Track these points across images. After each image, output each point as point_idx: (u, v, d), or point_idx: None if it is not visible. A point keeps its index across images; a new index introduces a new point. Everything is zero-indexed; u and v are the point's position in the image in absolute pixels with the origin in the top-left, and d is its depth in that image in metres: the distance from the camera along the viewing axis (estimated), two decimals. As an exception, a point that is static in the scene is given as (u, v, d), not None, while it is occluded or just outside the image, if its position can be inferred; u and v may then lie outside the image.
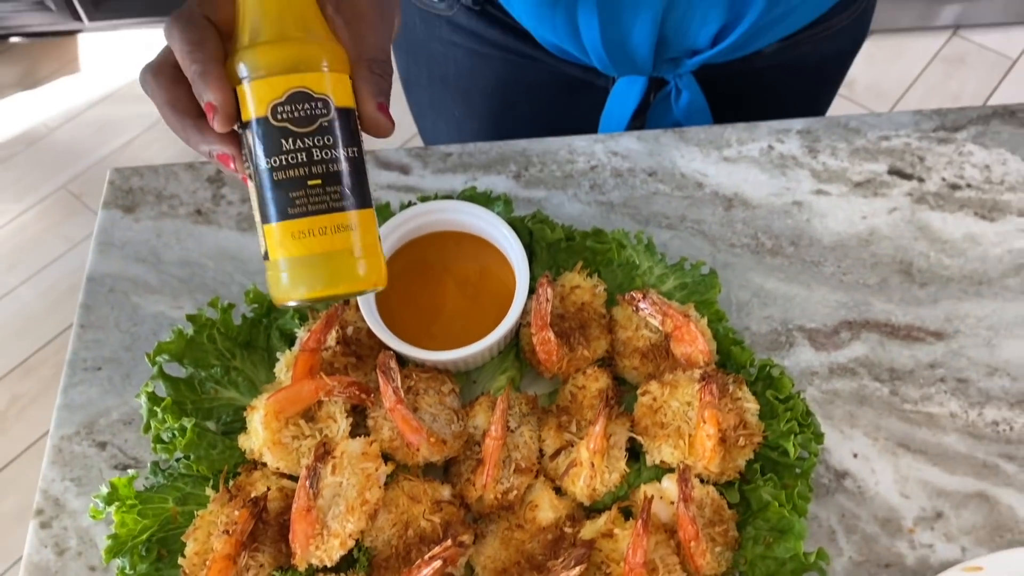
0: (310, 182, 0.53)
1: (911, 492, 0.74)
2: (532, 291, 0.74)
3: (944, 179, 0.93)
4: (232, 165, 0.54)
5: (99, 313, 0.83)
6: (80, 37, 3.01)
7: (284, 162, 0.52)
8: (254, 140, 0.53)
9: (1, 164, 2.72)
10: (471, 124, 1.11)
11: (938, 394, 0.79)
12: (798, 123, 0.97)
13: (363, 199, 0.55)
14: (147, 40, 3.00)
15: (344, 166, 0.53)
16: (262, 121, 0.52)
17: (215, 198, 0.91)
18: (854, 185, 0.93)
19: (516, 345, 0.76)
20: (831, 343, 0.82)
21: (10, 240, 2.55)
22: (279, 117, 0.52)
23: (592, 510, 0.67)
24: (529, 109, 1.07)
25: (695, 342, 0.71)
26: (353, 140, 0.54)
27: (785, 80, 1.05)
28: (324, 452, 0.62)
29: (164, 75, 0.54)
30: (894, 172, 0.93)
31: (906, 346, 0.82)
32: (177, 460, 0.69)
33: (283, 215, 0.53)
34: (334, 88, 0.53)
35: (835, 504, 0.73)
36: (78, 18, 2.79)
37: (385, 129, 0.55)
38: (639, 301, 0.73)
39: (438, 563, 0.59)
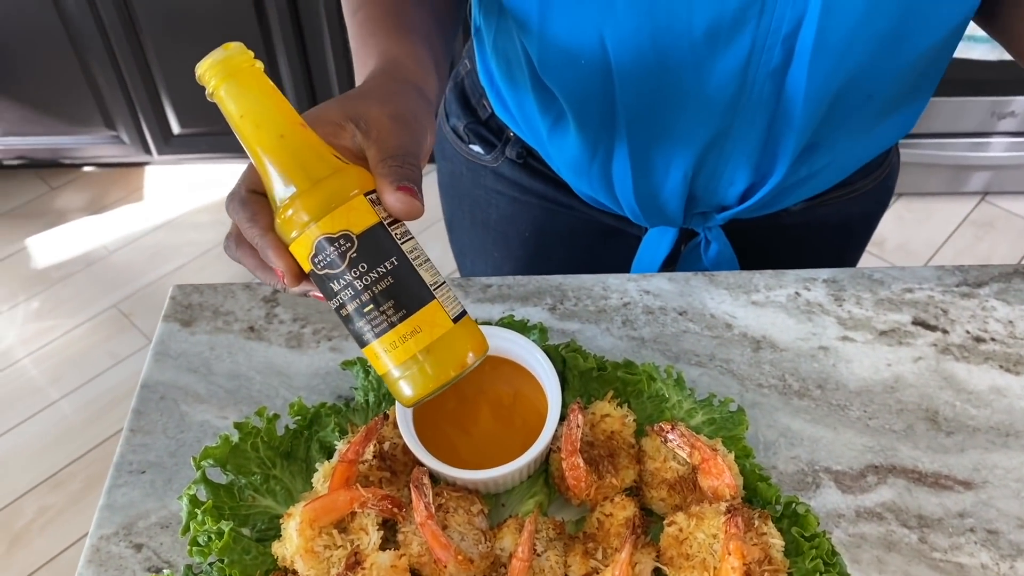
0: (368, 308, 0.58)
1: (942, 644, 0.72)
2: (563, 417, 0.77)
3: (968, 332, 0.96)
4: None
5: (149, 419, 0.87)
6: (147, 169, 3.22)
7: (340, 301, 0.58)
8: (316, 287, 0.59)
9: (60, 282, 2.85)
10: (509, 265, 1.18)
11: (968, 544, 0.78)
12: (824, 273, 1.02)
13: (424, 293, 0.59)
14: (207, 175, 3.20)
15: (390, 280, 0.58)
16: (311, 274, 0.59)
17: (268, 316, 0.96)
18: (879, 333, 0.96)
19: (546, 470, 0.78)
20: (857, 486, 0.83)
21: (58, 354, 2.64)
22: (319, 268, 0.58)
23: (615, 640, 0.67)
24: (564, 254, 1.14)
25: (722, 476, 0.73)
26: (389, 251, 0.58)
27: (811, 237, 1.11)
28: (355, 562, 0.64)
29: (240, 201, 0.61)
30: (918, 323, 0.97)
31: (934, 493, 0.82)
32: (211, 564, 0.70)
33: (367, 340, 0.59)
34: (349, 217, 0.58)
35: (863, 652, 0.72)
36: (148, 152, 2.99)
37: (412, 210, 0.59)
38: (668, 432, 0.75)
39: None
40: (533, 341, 0.80)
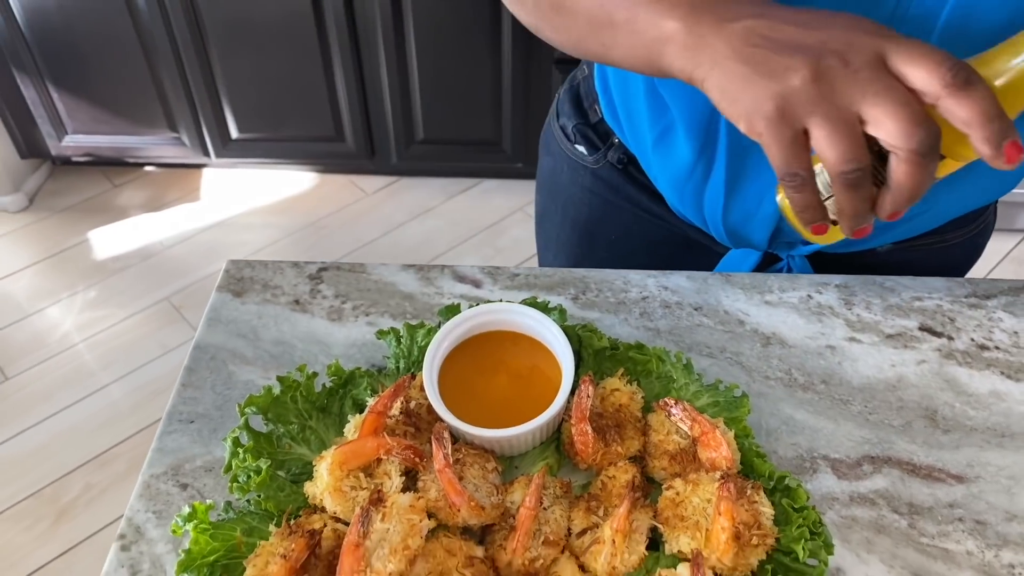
0: None
1: (923, 620, 0.76)
2: (575, 389, 0.83)
3: (973, 340, 1.00)
4: None
5: (199, 376, 0.95)
6: (205, 171, 3.36)
7: None
8: None
9: (117, 273, 2.99)
10: (589, 264, 1.24)
11: (956, 532, 0.82)
12: (837, 279, 1.07)
13: None
14: (260, 178, 3.33)
15: None
16: None
17: (312, 292, 1.05)
18: (885, 336, 1.00)
19: (557, 439, 0.85)
20: (853, 473, 0.87)
21: (111, 341, 2.77)
22: None
23: (611, 588, 0.73)
24: (645, 260, 1.17)
25: (719, 448, 0.78)
26: None
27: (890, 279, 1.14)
28: (378, 499, 0.71)
29: None
30: (924, 329, 1.01)
31: (926, 484, 0.86)
32: (248, 501, 0.78)
33: None
34: None
35: (846, 622, 0.76)
36: (207, 154, 3.13)
37: None
38: (671, 407, 0.81)
39: (464, 606, 0.65)
40: (552, 320, 0.87)
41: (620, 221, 1.17)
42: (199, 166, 3.33)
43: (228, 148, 3.11)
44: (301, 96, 2.97)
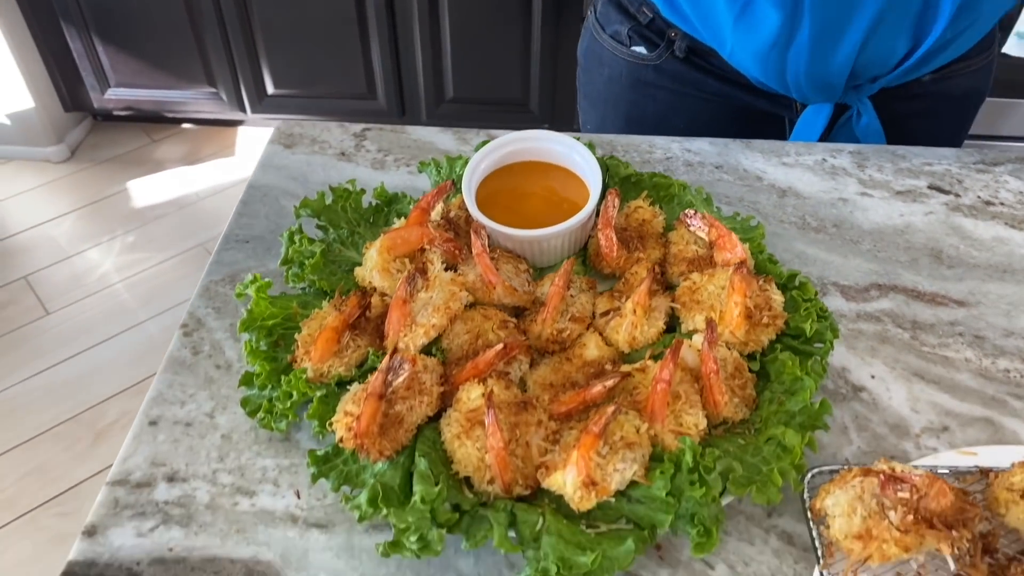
0: None
1: (921, 409, 0.82)
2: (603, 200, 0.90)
3: (979, 197, 1.05)
4: None
5: (253, 208, 1.03)
6: (240, 128, 3.46)
7: None
8: None
9: (154, 221, 3.09)
10: None
11: (955, 344, 0.88)
12: (850, 147, 1.13)
13: None
14: (296, 134, 3.41)
15: None
16: None
17: (357, 146, 1.12)
18: (895, 192, 1.06)
19: (584, 255, 0.91)
20: (861, 297, 0.93)
21: (149, 282, 2.87)
22: None
23: (631, 361, 0.79)
24: None
25: (735, 248, 0.84)
26: None
27: (937, 106, 1.22)
28: (423, 269, 0.78)
29: None
30: (933, 188, 1.07)
31: (930, 307, 0.92)
32: (303, 289, 0.85)
33: None
34: None
35: (849, 408, 0.82)
36: (243, 110, 3.23)
37: None
38: (691, 217, 0.88)
39: (500, 346, 0.72)
40: (582, 144, 0.93)
41: (686, 108, 1.24)
42: (235, 123, 3.44)
43: (264, 104, 3.21)
44: (336, 54, 3.06)
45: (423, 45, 3.01)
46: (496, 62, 3.08)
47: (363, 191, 0.93)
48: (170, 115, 3.34)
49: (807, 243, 0.99)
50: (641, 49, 1.22)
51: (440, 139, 1.14)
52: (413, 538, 0.62)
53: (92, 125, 3.48)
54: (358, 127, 1.15)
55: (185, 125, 3.49)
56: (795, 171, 1.09)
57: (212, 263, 0.96)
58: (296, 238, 0.85)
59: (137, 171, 3.30)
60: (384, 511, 0.63)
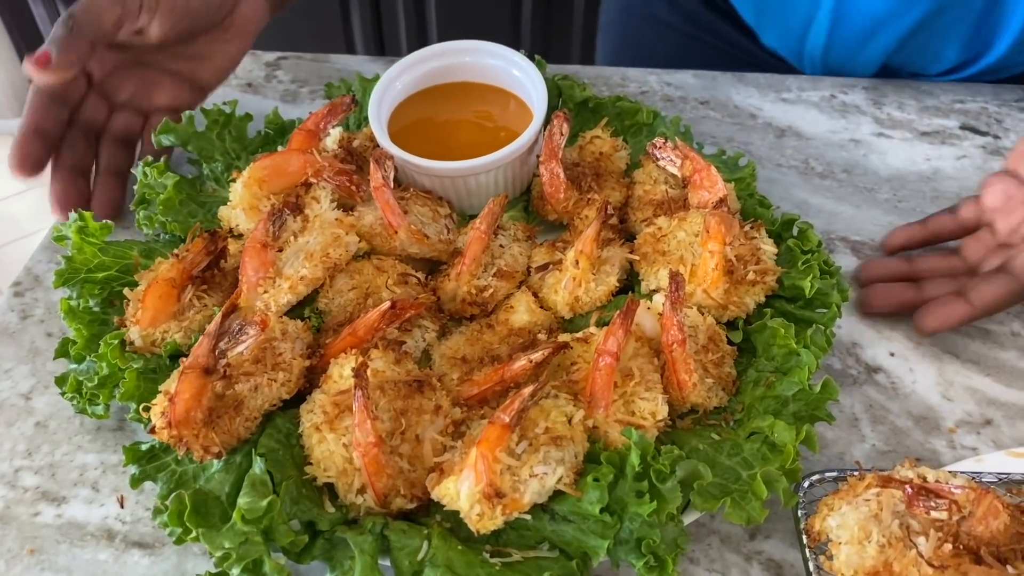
0: None
1: (955, 396, 0.63)
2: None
3: (1023, 139, 0.86)
4: None
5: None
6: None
7: None
8: None
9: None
10: None
11: (999, 313, 0.69)
12: (864, 81, 0.93)
13: None
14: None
15: None
16: None
17: (267, 77, 0.93)
18: (920, 134, 0.86)
19: (528, 197, 0.72)
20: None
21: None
22: None
23: (573, 330, 0.60)
24: None
25: (715, 186, 0.65)
26: None
27: None
28: (295, 205, 0.59)
29: None
30: (967, 128, 0.87)
31: (964, 268, 0.72)
32: (158, 236, 0.66)
33: None
34: None
35: (862, 394, 0.63)
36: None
37: None
38: (659, 148, 0.68)
39: (387, 305, 0.53)
40: (523, 57, 0.74)
41: (698, 56, 1.04)
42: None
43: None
44: (311, 13, 2.87)
45: (408, 25, 2.81)
46: (485, 13, 2.88)
47: (249, 116, 0.74)
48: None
49: (810, 191, 0.80)
50: None
51: (370, 69, 0.94)
52: (236, 569, 0.43)
53: (59, 95, 3.30)
54: (272, 55, 0.96)
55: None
56: (797, 108, 0.89)
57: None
58: (147, 171, 0.66)
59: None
60: (193, 532, 0.44)
